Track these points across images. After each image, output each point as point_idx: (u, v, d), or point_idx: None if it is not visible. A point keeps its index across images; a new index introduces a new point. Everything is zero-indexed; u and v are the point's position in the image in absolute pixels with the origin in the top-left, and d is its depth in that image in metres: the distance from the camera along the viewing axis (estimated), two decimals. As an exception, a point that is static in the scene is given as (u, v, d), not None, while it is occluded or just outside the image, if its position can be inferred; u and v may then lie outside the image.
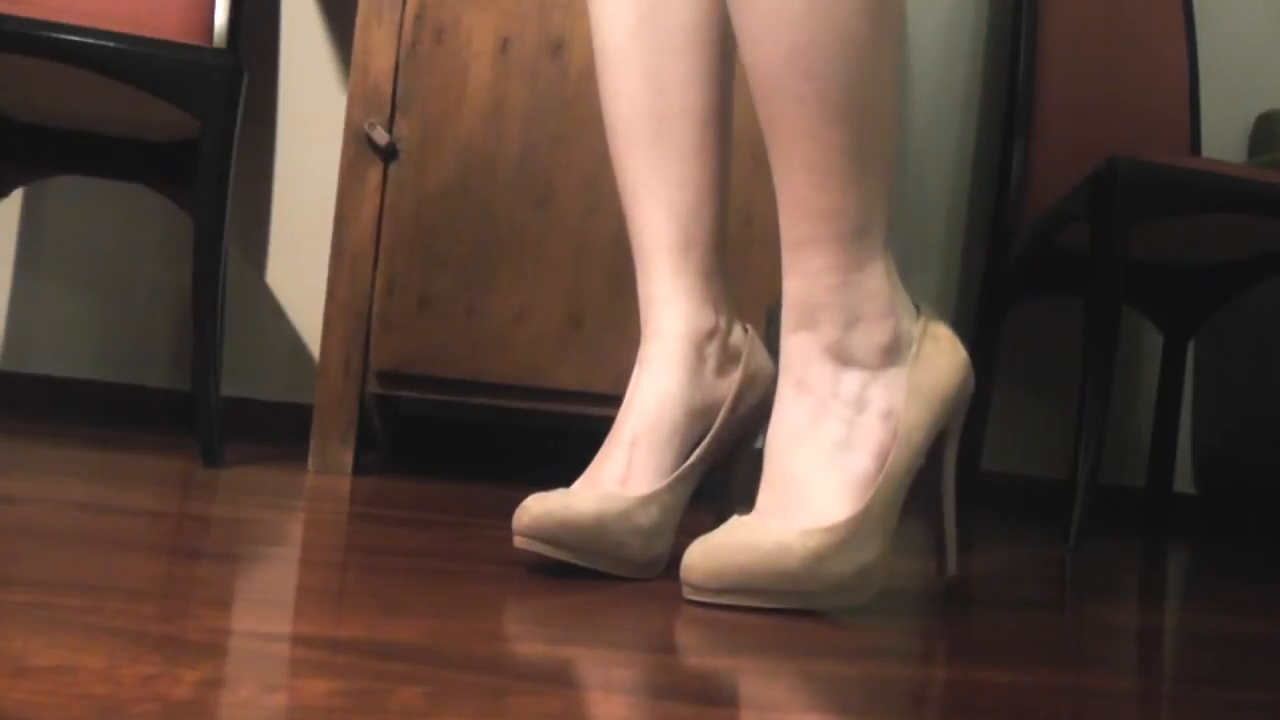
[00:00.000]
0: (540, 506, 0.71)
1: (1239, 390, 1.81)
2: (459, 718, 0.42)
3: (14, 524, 0.71)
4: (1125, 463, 1.82)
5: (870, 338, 0.72)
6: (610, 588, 0.71)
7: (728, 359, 0.82)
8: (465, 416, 1.63)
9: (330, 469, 1.19)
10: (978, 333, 1.69)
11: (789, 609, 0.68)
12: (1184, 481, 1.83)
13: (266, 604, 0.57)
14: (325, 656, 0.48)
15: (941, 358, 0.74)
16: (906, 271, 1.77)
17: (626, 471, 0.77)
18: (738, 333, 0.84)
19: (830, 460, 0.70)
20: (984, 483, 1.76)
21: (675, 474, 0.77)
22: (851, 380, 0.71)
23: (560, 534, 0.71)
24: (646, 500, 0.75)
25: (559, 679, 0.49)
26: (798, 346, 0.72)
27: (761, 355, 0.85)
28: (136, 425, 1.47)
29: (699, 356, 0.80)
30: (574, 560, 0.72)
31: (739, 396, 0.81)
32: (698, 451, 0.79)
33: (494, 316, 1.21)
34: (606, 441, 0.79)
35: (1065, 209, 1.47)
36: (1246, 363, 1.81)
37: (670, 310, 0.81)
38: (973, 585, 0.92)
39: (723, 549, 0.67)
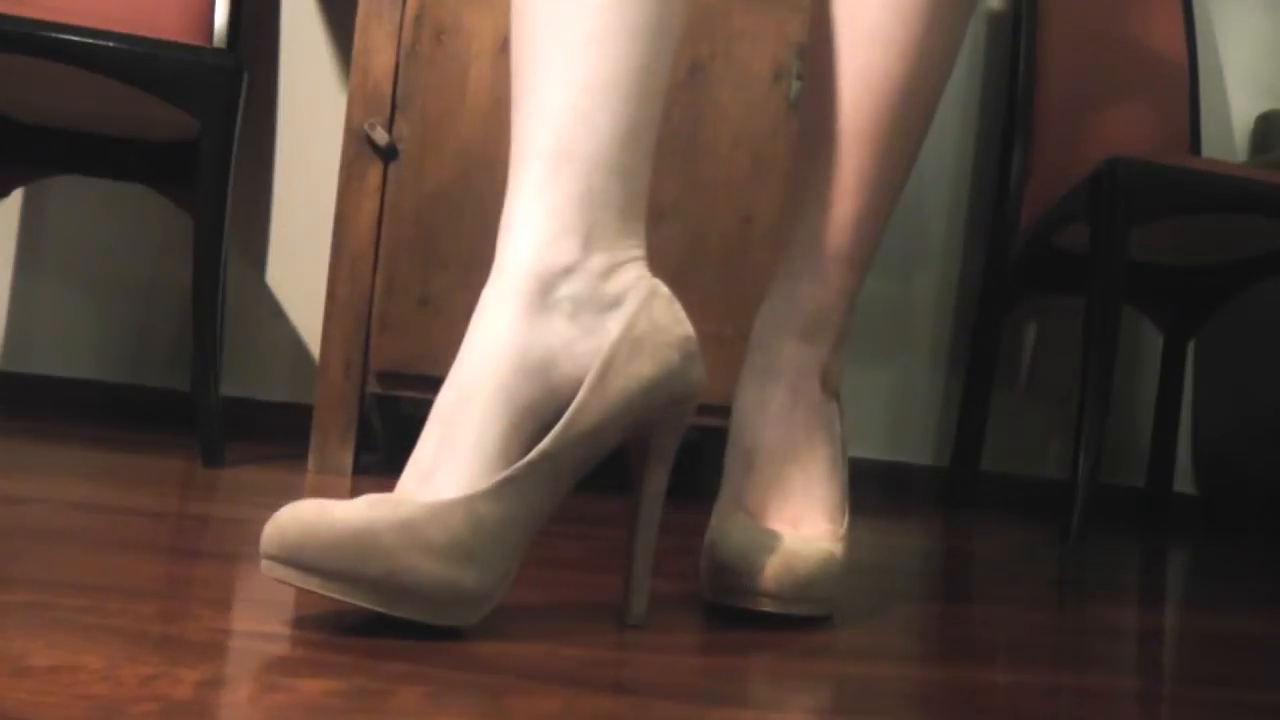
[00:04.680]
0: (296, 524, 0.50)
1: (1239, 390, 1.81)
2: (459, 718, 0.42)
3: (14, 524, 0.71)
4: (1125, 463, 1.82)
5: (839, 364, 0.74)
6: (609, 589, 0.71)
7: (598, 308, 0.58)
8: (465, 416, 1.62)
9: (330, 469, 1.19)
10: (977, 333, 1.69)
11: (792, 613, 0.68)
12: (1184, 481, 1.83)
13: (266, 604, 0.57)
14: (325, 656, 0.48)
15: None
16: (907, 271, 1.77)
17: (434, 461, 0.54)
18: (625, 278, 0.59)
19: (828, 476, 0.71)
20: (984, 483, 1.76)
21: (507, 473, 0.53)
22: (828, 402, 0.73)
23: (319, 559, 0.50)
24: (450, 507, 0.52)
25: (559, 679, 0.49)
26: (795, 355, 0.72)
27: (664, 313, 0.59)
28: (136, 425, 1.47)
29: (543, 298, 0.57)
30: (331, 593, 0.50)
31: (609, 363, 0.56)
32: (546, 441, 0.54)
33: (494, 316, 1.21)
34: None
35: (1065, 209, 1.47)
36: (1246, 363, 1.81)
37: (520, 237, 0.58)
38: (973, 585, 0.92)
39: (798, 559, 0.64)
